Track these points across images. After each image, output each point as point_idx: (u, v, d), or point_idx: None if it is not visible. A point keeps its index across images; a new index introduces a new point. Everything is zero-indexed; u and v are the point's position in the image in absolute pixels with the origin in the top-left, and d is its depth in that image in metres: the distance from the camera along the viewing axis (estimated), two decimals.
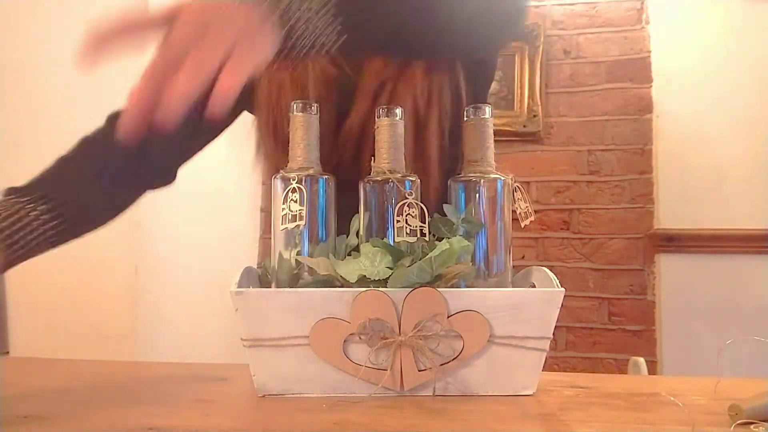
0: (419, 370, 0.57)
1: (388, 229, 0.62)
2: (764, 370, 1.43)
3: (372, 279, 0.57)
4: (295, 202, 0.60)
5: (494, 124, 0.66)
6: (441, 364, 0.57)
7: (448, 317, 0.56)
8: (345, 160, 0.75)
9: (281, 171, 0.64)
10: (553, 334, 0.58)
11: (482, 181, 0.63)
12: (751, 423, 0.47)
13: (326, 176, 0.64)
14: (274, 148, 0.79)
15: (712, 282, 1.90)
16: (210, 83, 0.50)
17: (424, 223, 0.61)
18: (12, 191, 0.71)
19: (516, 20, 0.80)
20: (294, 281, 0.62)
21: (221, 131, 0.89)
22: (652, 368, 1.88)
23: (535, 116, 2.02)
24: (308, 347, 0.57)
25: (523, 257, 2.02)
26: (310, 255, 0.62)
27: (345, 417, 0.52)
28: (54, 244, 0.72)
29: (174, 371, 0.72)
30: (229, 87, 0.50)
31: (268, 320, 0.57)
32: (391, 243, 0.60)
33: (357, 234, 0.64)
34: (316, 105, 0.65)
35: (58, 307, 1.44)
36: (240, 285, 0.59)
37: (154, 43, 0.52)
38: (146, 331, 1.50)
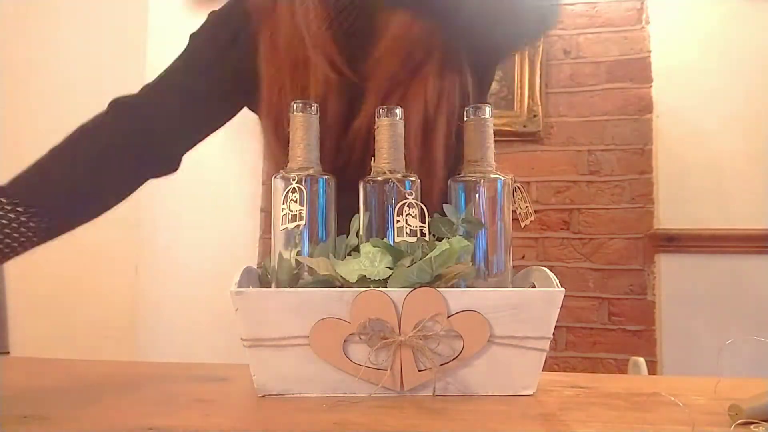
0: (419, 370, 0.57)
1: (388, 229, 0.62)
2: (764, 370, 1.43)
3: (372, 279, 0.57)
4: (295, 202, 0.60)
5: (494, 124, 0.66)
6: (441, 364, 0.57)
7: (448, 317, 0.56)
8: (353, 160, 0.75)
9: (281, 171, 0.64)
10: (553, 334, 0.58)
11: (482, 181, 0.63)
12: (751, 423, 0.47)
13: (326, 176, 0.64)
14: (276, 148, 0.79)
15: (712, 282, 1.90)
16: None
17: (424, 223, 0.61)
18: None
19: (549, 16, 0.81)
20: (294, 281, 0.62)
21: (224, 122, 0.88)
22: (652, 368, 1.88)
23: (535, 116, 2.02)
24: (308, 347, 0.57)
25: (523, 257, 2.02)
26: (310, 255, 0.62)
27: (345, 417, 0.52)
28: (41, 241, 0.70)
29: (174, 371, 0.72)
30: None
31: (268, 320, 0.57)
32: (391, 243, 0.60)
33: (357, 234, 0.64)
34: (316, 105, 0.65)
35: (59, 307, 1.44)
36: (240, 285, 0.59)
37: None
38: (146, 330, 1.50)
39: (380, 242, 0.60)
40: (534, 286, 0.63)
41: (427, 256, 0.56)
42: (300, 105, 0.64)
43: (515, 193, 0.66)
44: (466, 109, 0.66)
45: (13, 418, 0.51)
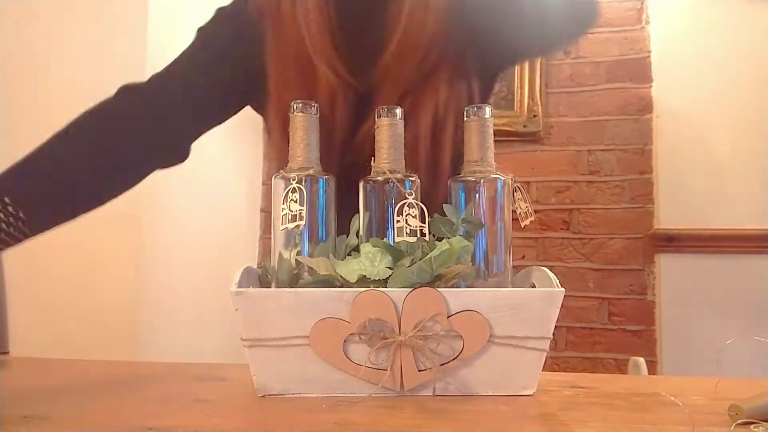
0: (419, 370, 0.57)
1: (388, 229, 0.62)
2: (764, 370, 1.43)
3: (372, 279, 0.57)
4: (295, 202, 0.60)
5: (494, 124, 0.66)
6: (441, 364, 0.57)
7: (448, 317, 0.56)
8: (360, 161, 0.76)
9: (281, 171, 0.64)
10: (553, 334, 0.58)
11: (482, 181, 0.63)
12: (751, 423, 0.47)
13: (326, 176, 0.64)
14: (285, 147, 0.80)
15: (712, 282, 1.90)
16: None
17: (424, 223, 0.61)
18: None
19: (586, 13, 0.81)
20: (294, 281, 0.62)
21: (228, 115, 0.89)
22: (652, 368, 1.88)
23: (535, 116, 2.02)
24: (308, 347, 0.57)
25: (523, 257, 2.02)
26: (310, 255, 0.62)
27: (345, 417, 0.52)
28: (37, 231, 0.68)
29: (174, 371, 0.72)
30: None
31: (268, 320, 0.57)
32: (391, 243, 0.60)
33: (357, 234, 0.64)
34: (316, 105, 0.65)
35: (59, 307, 1.44)
36: (240, 285, 0.59)
37: None
38: (146, 330, 1.50)
39: (380, 242, 0.60)
40: (534, 286, 0.63)
41: (427, 256, 0.56)
42: (300, 105, 0.64)
43: (515, 193, 0.66)
44: (466, 109, 0.66)
45: (13, 418, 0.51)
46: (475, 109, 0.65)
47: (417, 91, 0.77)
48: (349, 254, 0.62)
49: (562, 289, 0.57)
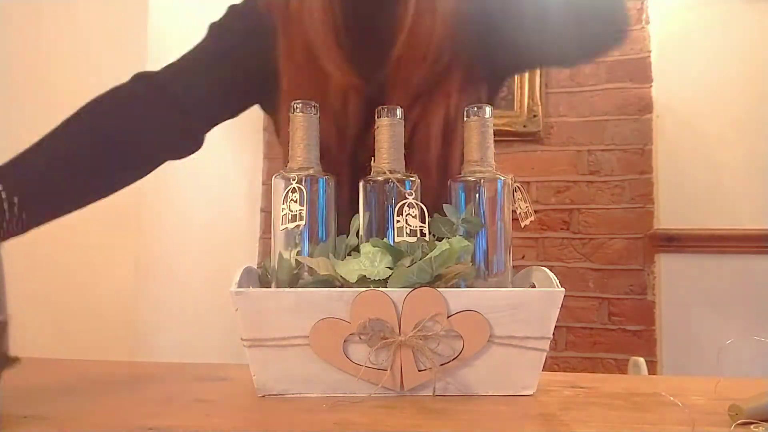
0: (419, 370, 0.57)
1: (388, 229, 0.62)
2: (764, 370, 1.43)
3: (372, 279, 0.57)
4: (295, 202, 0.60)
5: (494, 124, 0.66)
6: (441, 364, 0.57)
7: (448, 317, 0.56)
8: (369, 165, 0.76)
9: (281, 171, 0.64)
10: (553, 334, 0.58)
11: (482, 181, 0.63)
12: (751, 423, 0.47)
13: (326, 176, 0.64)
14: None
15: (712, 282, 1.90)
16: None
17: (424, 223, 0.61)
18: None
19: (617, 27, 0.80)
20: (294, 281, 0.62)
21: (239, 111, 0.88)
22: (652, 368, 1.88)
23: (535, 116, 2.02)
24: (308, 347, 0.57)
25: (523, 257, 2.02)
26: (310, 255, 0.62)
27: (345, 417, 0.52)
28: (38, 222, 0.66)
29: (174, 371, 0.72)
30: None
31: (268, 320, 0.57)
32: (391, 243, 0.60)
33: (357, 234, 0.64)
34: (316, 105, 0.65)
35: (58, 306, 1.44)
36: (240, 285, 0.59)
37: None
38: (146, 330, 1.50)
39: (380, 242, 0.60)
40: (534, 286, 0.63)
41: (427, 256, 0.56)
42: (300, 105, 0.64)
43: (515, 193, 0.66)
44: (466, 109, 0.66)
45: (13, 418, 0.51)
46: (476, 109, 0.65)
47: (429, 95, 0.78)
48: (349, 254, 0.62)
49: (562, 289, 0.57)
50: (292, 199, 0.60)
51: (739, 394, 0.52)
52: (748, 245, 1.86)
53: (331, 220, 0.65)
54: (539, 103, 2.02)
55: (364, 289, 0.56)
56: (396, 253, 0.59)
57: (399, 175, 0.63)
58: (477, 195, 0.64)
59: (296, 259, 0.62)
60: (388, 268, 0.58)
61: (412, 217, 0.60)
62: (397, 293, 0.55)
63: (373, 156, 0.65)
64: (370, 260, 0.58)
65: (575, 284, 1.98)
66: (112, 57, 1.45)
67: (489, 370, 0.58)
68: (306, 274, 0.62)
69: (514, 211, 0.65)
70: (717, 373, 0.59)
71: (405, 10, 0.77)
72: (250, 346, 0.57)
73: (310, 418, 0.52)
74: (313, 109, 0.65)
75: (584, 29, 0.76)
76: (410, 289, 0.55)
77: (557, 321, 0.57)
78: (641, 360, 1.73)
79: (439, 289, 0.55)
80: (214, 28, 0.86)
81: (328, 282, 0.59)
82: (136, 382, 0.67)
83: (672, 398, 0.55)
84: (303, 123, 0.64)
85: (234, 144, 1.98)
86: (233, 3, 0.88)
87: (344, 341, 0.56)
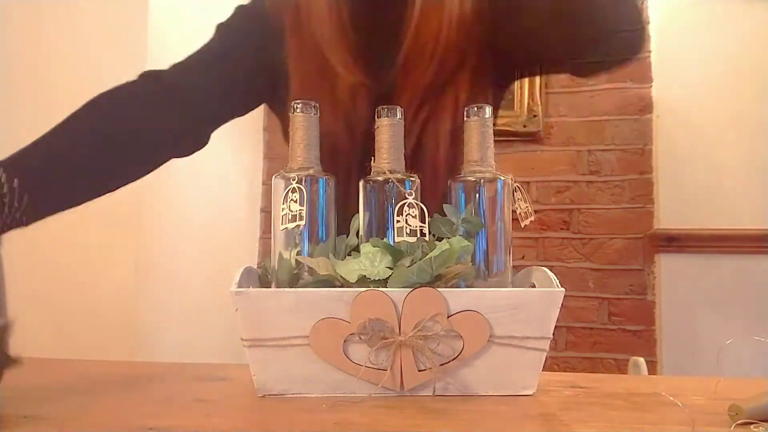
0: (419, 370, 0.57)
1: (388, 229, 0.62)
2: (764, 370, 1.43)
3: (372, 279, 0.57)
4: (295, 202, 0.60)
5: (494, 124, 0.66)
6: (441, 364, 0.57)
7: (448, 317, 0.56)
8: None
9: (281, 171, 0.64)
10: (553, 334, 0.58)
11: (482, 181, 0.63)
12: (751, 423, 0.47)
13: (326, 176, 0.64)
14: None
15: (712, 282, 1.90)
16: None
17: (424, 223, 0.61)
18: None
19: (633, 41, 0.79)
20: (294, 281, 0.62)
21: (247, 110, 0.89)
22: (652, 368, 1.88)
23: (535, 116, 2.02)
24: (308, 347, 0.57)
25: (523, 257, 2.02)
26: (310, 255, 0.62)
27: (345, 417, 0.52)
28: (42, 214, 0.66)
29: (174, 371, 0.72)
30: None
31: (268, 320, 0.57)
32: (391, 243, 0.60)
33: (357, 234, 0.64)
34: (316, 105, 0.65)
35: (58, 306, 1.44)
36: (240, 285, 0.59)
37: None
38: (146, 330, 1.50)
39: (380, 242, 0.60)
40: (534, 286, 0.63)
41: (427, 256, 0.56)
42: (300, 105, 0.64)
43: (515, 193, 0.66)
44: (466, 109, 0.66)
45: (13, 418, 0.51)
46: (476, 109, 0.65)
47: (438, 94, 0.78)
48: (349, 254, 0.62)
49: (562, 289, 0.57)
50: (292, 199, 0.60)
51: (739, 394, 0.52)
52: (748, 245, 1.86)
53: (331, 220, 0.65)
54: (539, 103, 2.02)
55: (364, 289, 0.56)
56: (396, 253, 0.59)
57: (399, 175, 0.63)
58: (477, 195, 0.63)
59: (296, 259, 0.62)
60: (388, 268, 0.58)
61: (412, 217, 0.60)
62: (397, 293, 0.55)
63: (373, 156, 0.65)
64: (370, 260, 0.58)
65: (575, 284, 1.98)
66: (112, 57, 1.45)
67: (489, 370, 0.58)
68: (306, 274, 0.62)
69: (514, 211, 0.65)
70: (717, 373, 0.59)
71: (411, 12, 0.77)
72: (250, 346, 0.57)
73: (310, 418, 0.52)
74: (313, 109, 0.65)
75: (599, 36, 0.75)
76: (410, 289, 0.55)
77: (557, 321, 0.57)
78: (641, 360, 1.73)
79: (439, 289, 0.55)
80: (222, 29, 0.86)
81: (328, 282, 0.59)
82: (136, 382, 0.67)
83: (672, 398, 0.55)
84: (303, 123, 0.64)
85: (234, 144, 1.98)
86: (240, 3, 0.88)
87: (344, 341, 0.56)
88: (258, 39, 0.84)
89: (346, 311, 0.56)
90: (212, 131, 0.84)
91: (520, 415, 0.53)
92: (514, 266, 0.66)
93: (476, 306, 0.56)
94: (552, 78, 2.05)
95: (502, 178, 0.64)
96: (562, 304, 0.57)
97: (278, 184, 0.63)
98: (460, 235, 0.60)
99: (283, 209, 0.60)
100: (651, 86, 1.98)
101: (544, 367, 0.59)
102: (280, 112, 0.87)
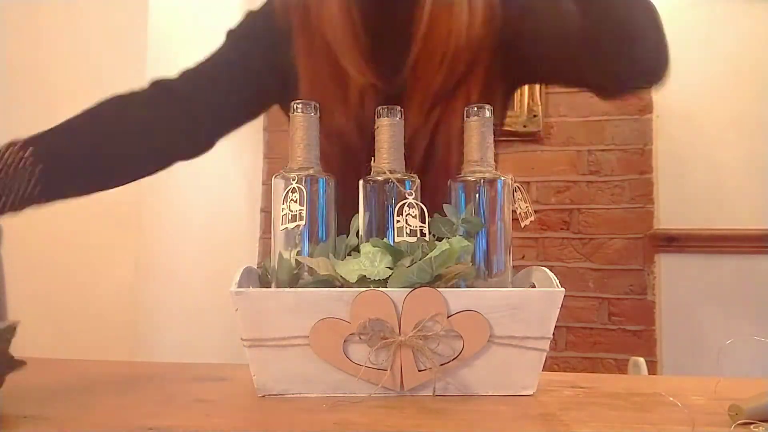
0: (419, 370, 0.57)
1: (388, 229, 0.62)
2: (764, 370, 1.43)
3: (372, 279, 0.57)
4: (295, 202, 0.60)
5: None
6: (441, 364, 0.57)
7: (448, 317, 0.56)
8: None
9: (281, 171, 0.64)
10: (553, 334, 0.58)
11: (482, 181, 0.63)
12: (751, 423, 0.47)
13: (326, 176, 0.64)
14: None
15: (712, 282, 1.90)
16: None
17: (424, 223, 0.61)
18: (17, 142, 0.69)
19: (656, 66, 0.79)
20: (294, 281, 0.62)
21: (257, 115, 0.91)
22: (652, 368, 1.88)
23: (535, 116, 2.02)
24: (308, 347, 0.57)
25: (523, 257, 2.02)
26: (310, 255, 0.62)
27: (345, 417, 0.52)
28: (47, 198, 0.69)
29: (174, 371, 0.72)
30: None
31: (268, 320, 0.57)
32: (391, 243, 0.60)
33: (357, 234, 0.64)
34: (316, 105, 0.65)
35: (58, 307, 1.44)
36: (240, 285, 0.59)
37: None
38: (146, 330, 1.50)
39: (380, 242, 0.60)
40: (534, 286, 0.63)
41: (427, 256, 0.56)
42: (300, 105, 0.64)
43: (515, 193, 0.66)
44: (466, 109, 0.66)
45: (13, 418, 0.51)
46: (476, 109, 0.65)
47: (449, 96, 0.79)
48: (349, 254, 0.62)
49: (562, 289, 0.57)
50: (292, 199, 0.60)
51: (739, 394, 0.52)
52: (748, 245, 1.86)
53: (331, 220, 0.65)
54: (539, 103, 2.02)
55: (364, 289, 0.56)
56: (396, 253, 0.59)
57: (399, 175, 0.63)
58: (477, 195, 0.63)
59: (296, 259, 0.62)
60: (388, 268, 0.58)
61: (412, 217, 0.60)
62: (397, 293, 0.55)
63: (373, 156, 0.65)
64: (370, 260, 0.58)
65: (575, 284, 1.98)
66: (112, 57, 1.45)
67: (489, 370, 0.58)
68: (306, 274, 0.62)
69: (514, 211, 0.65)
70: (717, 373, 0.59)
71: (421, 15, 0.78)
72: (250, 346, 0.57)
73: (310, 418, 0.52)
74: (313, 109, 0.65)
75: (611, 54, 0.74)
76: (410, 289, 0.55)
77: (557, 321, 0.57)
78: (641, 360, 1.73)
79: (439, 289, 0.55)
80: (231, 36, 0.88)
81: (328, 282, 0.59)
82: (136, 382, 0.67)
83: (672, 398, 0.55)
84: (303, 123, 0.64)
85: (234, 144, 1.97)
86: (250, 9, 0.89)
87: (344, 341, 0.56)
88: (268, 42, 0.85)
89: (346, 311, 0.56)
90: (217, 138, 0.86)
91: (520, 415, 0.53)
92: (514, 266, 0.66)
93: (476, 306, 0.56)
94: None
95: (502, 178, 0.64)
96: (562, 304, 0.57)
97: (278, 184, 0.63)
98: (460, 235, 0.60)
99: (283, 209, 0.60)
100: None
101: (544, 367, 0.59)
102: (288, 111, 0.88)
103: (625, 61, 0.74)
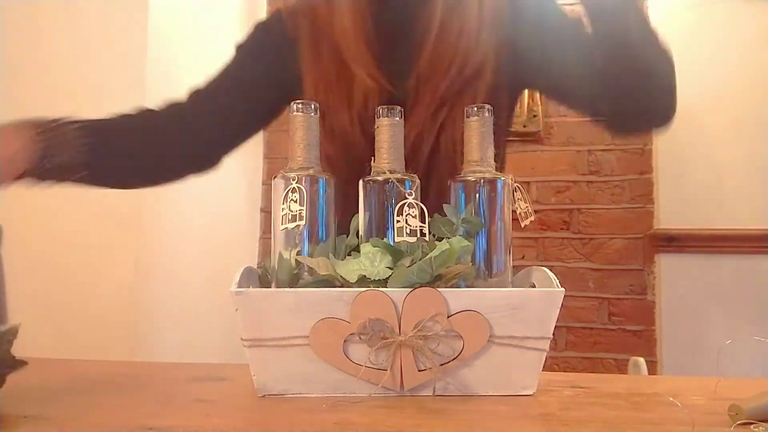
0: (419, 370, 0.57)
1: (388, 229, 0.62)
2: (764, 370, 1.43)
3: (372, 279, 0.57)
4: (295, 202, 0.60)
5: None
6: (441, 364, 0.57)
7: (448, 317, 0.56)
8: None
9: (281, 171, 0.64)
10: (553, 334, 0.58)
11: (482, 181, 0.63)
12: (751, 423, 0.47)
13: (326, 176, 0.64)
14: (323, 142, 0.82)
15: (712, 282, 1.90)
16: None
17: (424, 223, 0.61)
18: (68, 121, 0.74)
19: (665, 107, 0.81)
20: (294, 281, 0.62)
21: (265, 126, 0.94)
22: (652, 368, 1.88)
23: (535, 116, 2.02)
24: (308, 347, 0.57)
25: (523, 257, 2.02)
26: (310, 255, 0.62)
27: (345, 417, 0.52)
28: (82, 179, 0.74)
29: (174, 371, 0.72)
30: None
31: (268, 320, 0.57)
32: (391, 243, 0.60)
33: (357, 234, 0.64)
34: (316, 105, 0.65)
35: (58, 307, 1.44)
36: (240, 285, 0.59)
37: None
38: (146, 330, 1.50)
39: (380, 242, 0.60)
40: (534, 286, 0.63)
41: (427, 256, 0.56)
42: (300, 105, 0.64)
43: (515, 193, 0.66)
44: (466, 109, 0.66)
45: (13, 418, 0.51)
46: (476, 109, 0.65)
47: (455, 99, 0.79)
48: (349, 254, 0.62)
49: (562, 289, 0.57)
50: (292, 199, 0.60)
51: (739, 394, 0.51)
52: (748, 245, 1.86)
53: (331, 220, 0.65)
54: (539, 103, 2.02)
55: (364, 289, 0.56)
56: (396, 253, 0.59)
57: (399, 175, 0.63)
58: (477, 195, 0.63)
59: (296, 259, 0.62)
60: (388, 268, 0.58)
61: (412, 217, 0.60)
62: (397, 293, 0.55)
63: (373, 156, 0.65)
64: (370, 260, 0.58)
65: (575, 284, 1.98)
66: (112, 57, 1.45)
67: (489, 370, 0.58)
68: (306, 274, 0.62)
69: (514, 211, 0.65)
70: (717, 373, 0.59)
71: (431, 20, 0.79)
72: (250, 346, 0.57)
73: (310, 418, 0.52)
74: (313, 109, 0.65)
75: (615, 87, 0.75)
76: (410, 289, 0.55)
77: (557, 321, 0.57)
78: (641, 360, 1.73)
79: (439, 289, 0.55)
80: (240, 51, 0.89)
81: (328, 282, 0.59)
82: (136, 382, 0.67)
83: (672, 398, 0.55)
84: (303, 123, 0.64)
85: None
86: (258, 20, 0.91)
87: (344, 341, 0.56)
88: (276, 53, 0.87)
89: (346, 311, 0.56)
90: (223, 154, 0.90)
91: (520, 415, 0.53)
92: (514, 266, 0.66)
93: (476, 306, 0.56)
94: None
95: (502, 178, 0.64)
96: (562, 304, 0.57)
97: (278, 184, 0.63)
98: (460, 235, 0.60)
99: (283, 209, 0.60)
100: None
101: (544, 367, 0.59)
102: None
103: (640, 95, 0.75)
